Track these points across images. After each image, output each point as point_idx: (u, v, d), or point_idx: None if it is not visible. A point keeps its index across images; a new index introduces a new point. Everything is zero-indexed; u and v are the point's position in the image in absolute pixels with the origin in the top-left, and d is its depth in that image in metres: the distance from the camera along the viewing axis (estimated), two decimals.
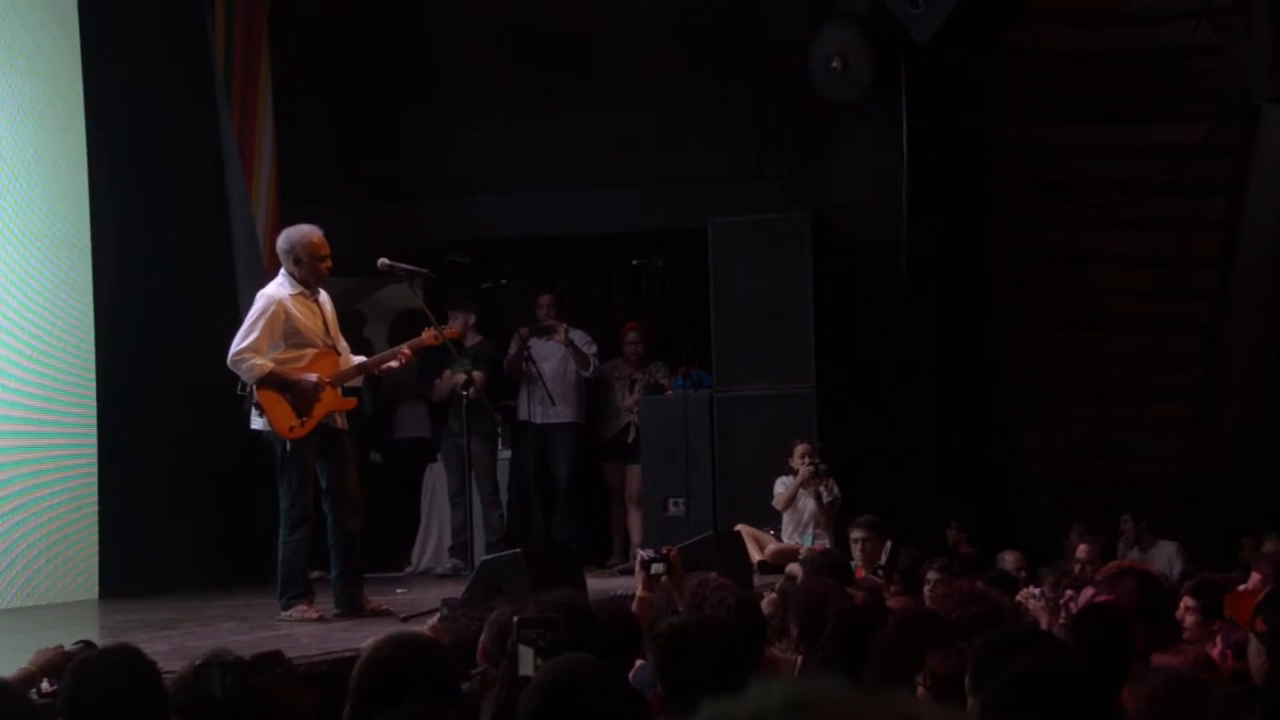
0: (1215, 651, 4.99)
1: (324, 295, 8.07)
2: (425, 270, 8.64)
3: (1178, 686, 3.95)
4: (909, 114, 10.74)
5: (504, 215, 11.45)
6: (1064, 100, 11.15)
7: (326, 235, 8.05)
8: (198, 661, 3.38)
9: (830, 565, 7.25)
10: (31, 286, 9.65)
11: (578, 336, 11.11)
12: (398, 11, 11.55)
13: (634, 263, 10.46)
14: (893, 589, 7.61)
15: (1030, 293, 11.58)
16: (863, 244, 10.99)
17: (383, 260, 8.29)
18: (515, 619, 3.51)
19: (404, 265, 8.37)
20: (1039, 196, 11.40)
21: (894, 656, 4.20)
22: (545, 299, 11.12)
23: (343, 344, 8.26)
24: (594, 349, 11.17)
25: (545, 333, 11.04)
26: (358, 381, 8.45)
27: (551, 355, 11.06)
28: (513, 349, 10.98)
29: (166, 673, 3.74)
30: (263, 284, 8.31)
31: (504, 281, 11.03)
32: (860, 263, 10.98)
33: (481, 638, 4.38)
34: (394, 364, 8.28)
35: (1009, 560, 9.33)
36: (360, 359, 8.25)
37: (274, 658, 3.40)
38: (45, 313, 9.75)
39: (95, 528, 9.94)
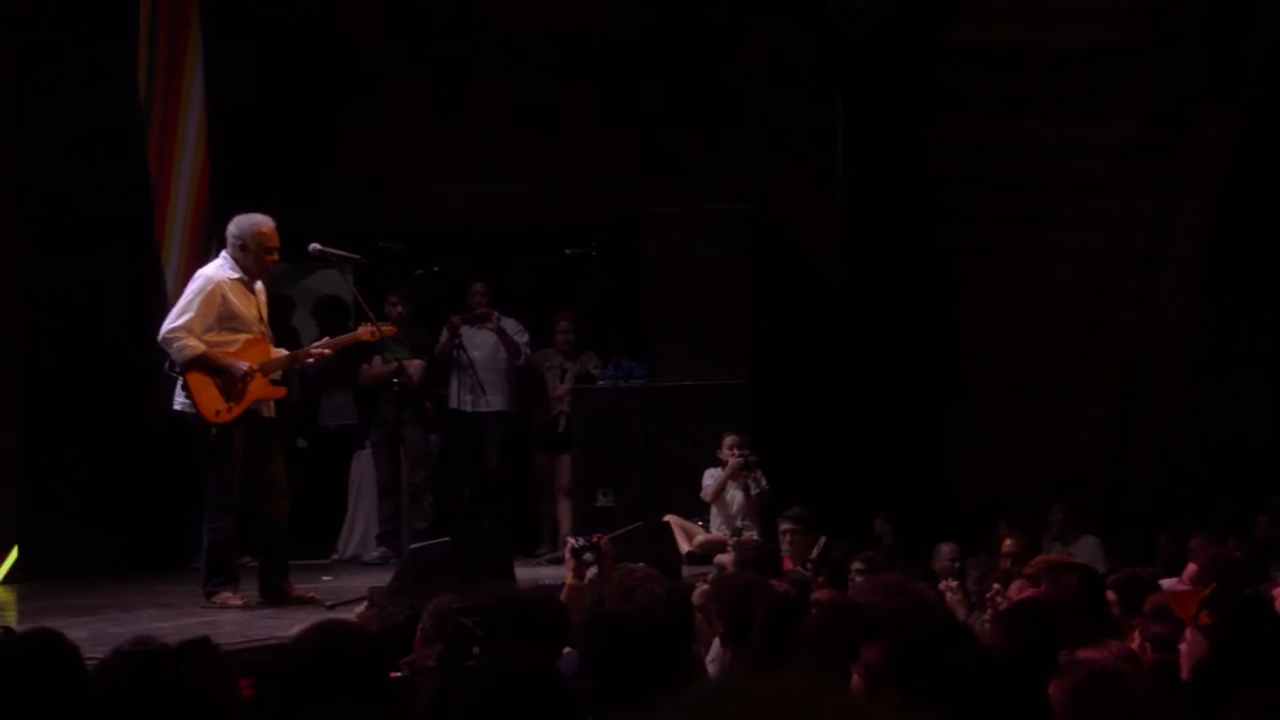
0: (1134, 645, 5.04)
1: (259, 285, 7.99)
2: (357, 256, 8.57)
3: (1099, 680, 3.97)
4: (845, 109, 10.77)
5: (437, 204, 11.37)
6: (1000, 97, 11.21)
7: None
8: (122, 649, 3.31)
9: (760, 558, 7.25)
10: None
11: (509, 325, 11.06)
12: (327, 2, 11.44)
13: (567, 252, 10.42)
14: (819, 581, 7.62)
15: (963, 288, 11.65)
16: (796, 238, 11.01)
17: (314, 245, 8.20)
18: (455, 607, 3.47)
19: (335, 250, 8.29)
20: (973, 192, 11.46)
21: (819, 648, 4.19)
22: (478, 287, 11.06)
23: (269, 334, 8.18)
24: (526, 338, 11.13)
25: (477, 321, 10.98)
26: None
27: (483, 344, 11.01)
28: (444, 337, 10.92)
29: (87, 658, 3.67)
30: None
31: (436, 269, 10.95)
32: (793, 256, 11.00)
33: (420, 624, 4.33)
34: (310, 360, 8.20)
35: (945, 552, 9.36)
36: (285, 351, 8.17)
37: (201, 644, 3.33)
38: None
39: (14, 510, 9.81)
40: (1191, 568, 5.53)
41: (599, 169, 11.10)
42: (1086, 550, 10.40)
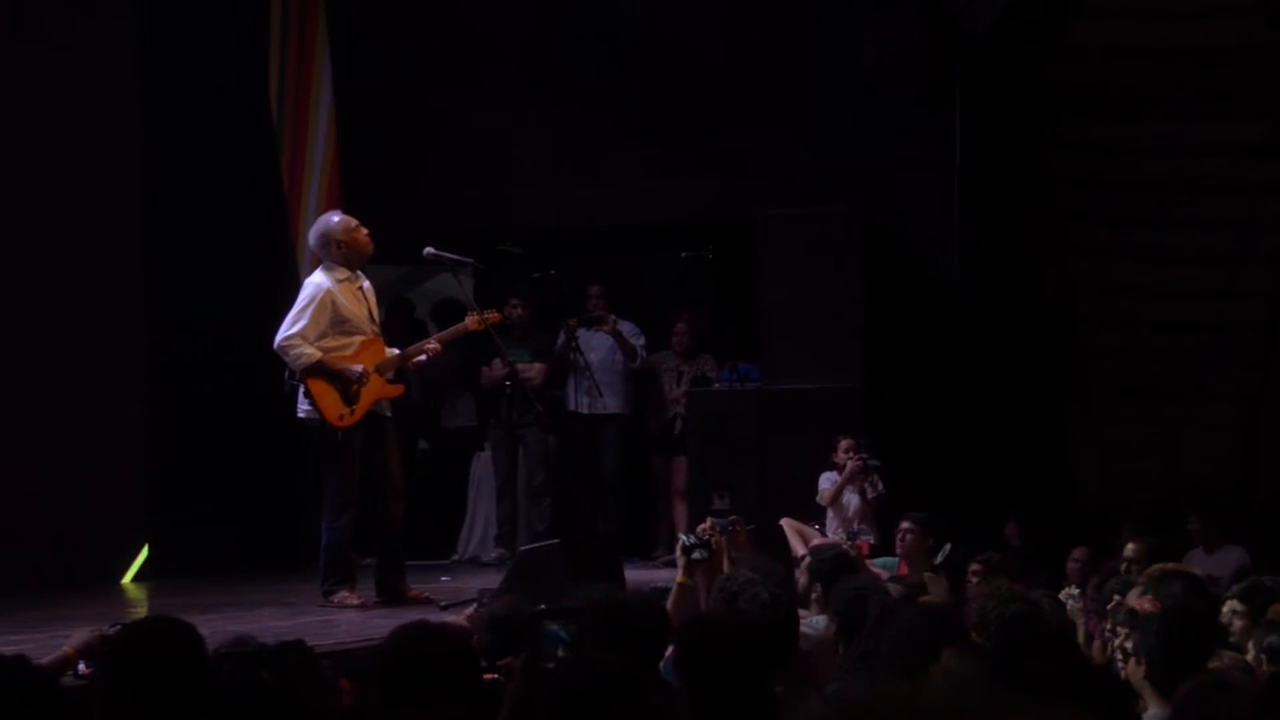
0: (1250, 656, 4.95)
1: (367, 283, 8.11)
2: (470, 260, 8.66)
3: (1207, 689, 3.92)
4: (963, 108, 10.67)
5: (554, 206, 11.45)
6: (1119, 96, 11.02)
7: (374, 225, 8.10)
8: (220, 649, 3.39)
9: (835, 561, 7.13)
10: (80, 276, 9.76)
11: (626, 328, 11.11)
12: (447, 3, 11.57)
13: (683, 254, 10.43)
14: (940, 584, 7.58)
15: (1083, 290, 11.47)
16: (914, 239, 10.92)
17: (428, 249, 8.32)
18: (541, 609, 3.51)
19: (449, 254, 8.39)
20: (1093, 193, 11.28)
21: (901, 648, 4.17)
22: (594, 289, 11.12)
23: (380, 334, 8.29)
24: (642, 340, 11.17)
25: (593, 323, 11.05)
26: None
27: (599, 346, 11.07)
28: (560, 339, 11.00)
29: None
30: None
31: (553, 272, 11.03)
32: (911, 257, 10.91)
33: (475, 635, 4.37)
34: (421, 357, 8.27)
35: (1075, 556, 9.20)
36: (398, 350, 8.27)
37: (297, 646, 3.41)
38: (95, 299, 9.86)
39: (145, 509, 10.06)
40: None
41: (715, 170, 11.10)
42: (1231, 561, 10.17)
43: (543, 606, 3.61)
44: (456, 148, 11.53)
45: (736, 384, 10.70)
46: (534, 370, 10.81)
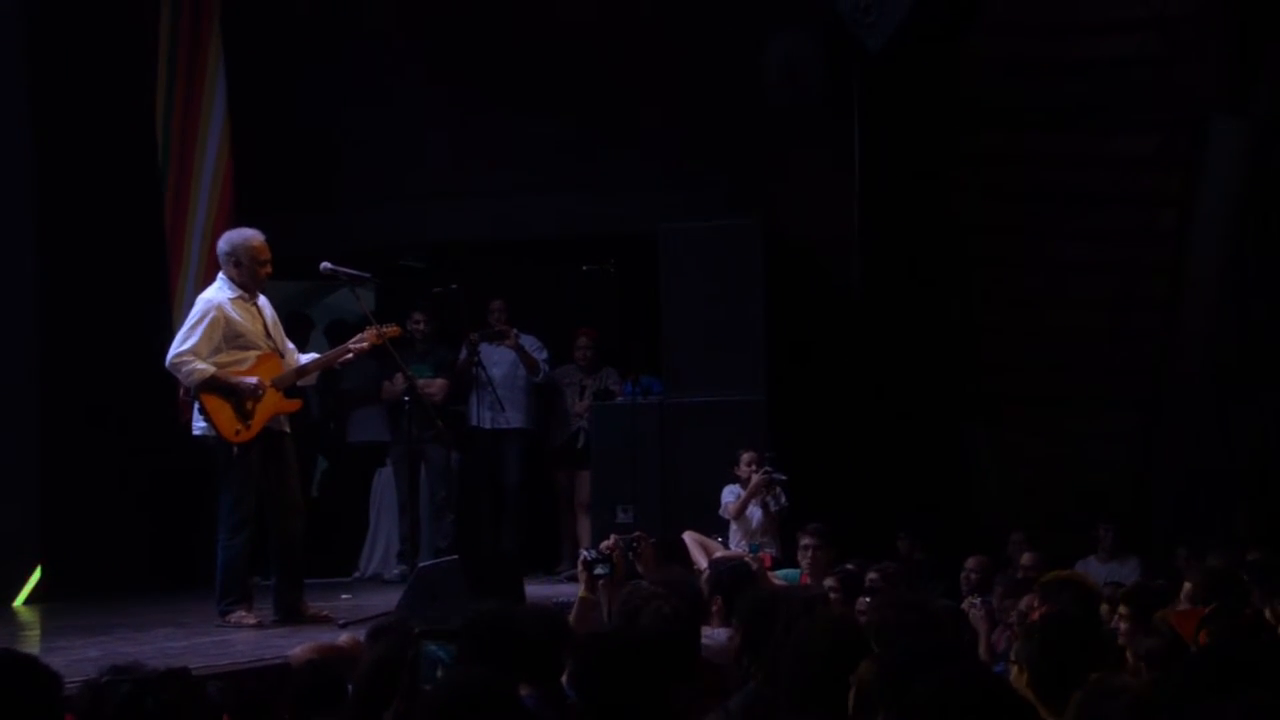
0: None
1: (263, 299, 8.03)
2: (367, 275, 8.59)
3: (1101, 693, 3.93)
4: (862, 122, 10.73)
5: (455, 220, 11.39)
6: (1016, 109, 11.15)
7: (276, 240, 8.00)
8: (103, 676, 3.31)
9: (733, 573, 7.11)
10: None
11: (528, 342, 11.08)
12: (347, 17, 11.48)
13: (584, 268, 10.41)
14: (833, 596, 7.59)
15: (983, 301, 11.58)
16: (815, 252, 10.98)
17: (325, 264, 8.24)
18: (417, 631, 3.46)
19: (346, 269, 8.31)
20: (992, 205, 11.40)
21: (815, 664, 4.15)
22: (496, 304, 11.08)
23: (289, 345, 8.19)
24: (545, 355, 11.15)
25: (495, 338, 11.00)
26: (311, 381, 8.37)
27: (501, 360, 11.03)
28: (463, 354, 10.94)
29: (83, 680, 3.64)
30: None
31: (455, 286, 10.96)
32: (813, 270, 10.97)
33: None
34: (348, 356, 8.16)
35: (970, 566, 9.25)
36: (306, 356, 8.18)
37: (180, 674, 3.33)
38: None
39: (37, 530, 9.86)
40: (1188, 586, 5.46)
41: (615, 184, 11.10)
42: (1130, 569, 10.29)
43: (419, 629, 3.56)
44: (357, 162, 11.46)
45: (639, 397, 10.69)
46: (435, 385, 10.74)
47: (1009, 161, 11.24)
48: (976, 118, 11.24)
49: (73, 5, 10.12)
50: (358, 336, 8.14)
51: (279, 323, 8.16)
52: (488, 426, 10.89)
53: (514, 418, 11.02)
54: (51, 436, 9.97)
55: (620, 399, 10.88)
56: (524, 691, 3.96)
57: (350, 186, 11.44)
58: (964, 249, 11.49)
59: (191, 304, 8.22)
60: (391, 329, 8.26)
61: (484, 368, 10.82)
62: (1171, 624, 4.92)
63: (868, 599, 7.00)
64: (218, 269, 8.01)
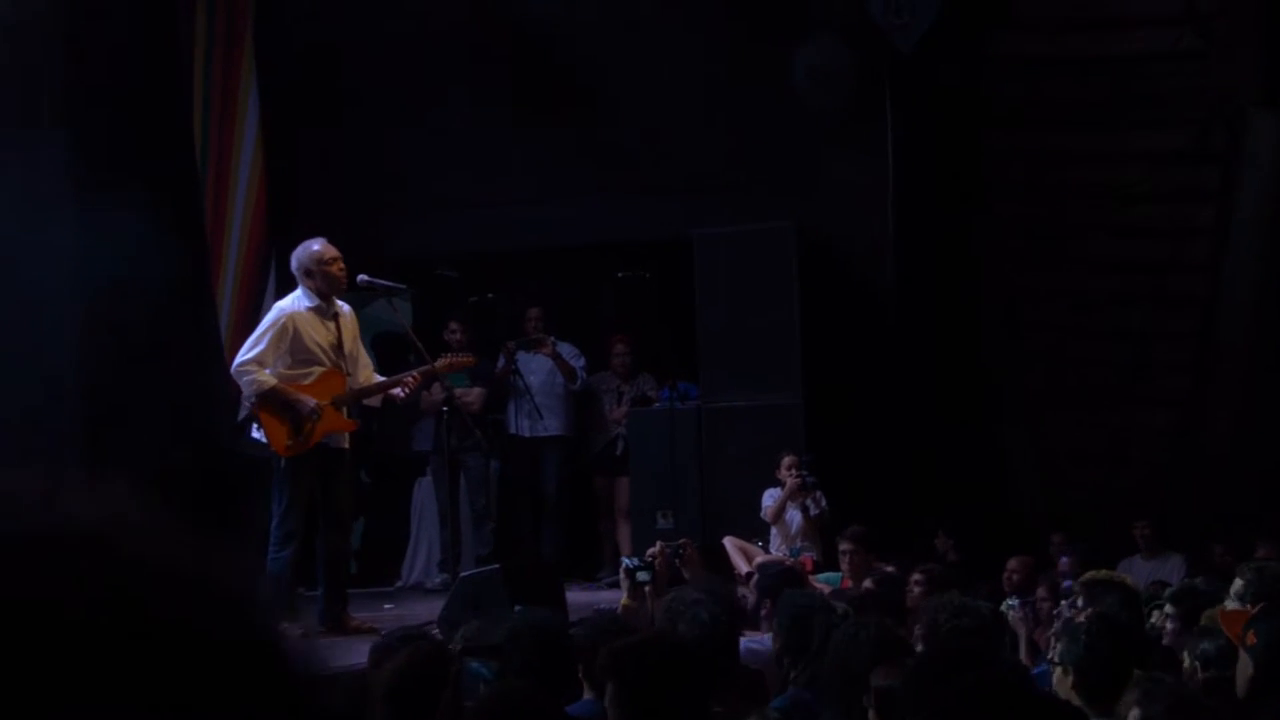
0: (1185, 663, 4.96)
1: (346, 309, 8.03)
2: (403, 286, 8.62)
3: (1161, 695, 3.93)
4: (894, 123, 10.73)
5: (491, 229, 11.43)
6: (1049, 107, 11.12)
7: None
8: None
9: (783, 575, 7.17)
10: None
11: (565, 349, 11.10)
12: (382, 27, 11.54)
13: (620, 275, 10.43)
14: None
15: (1018, 300, 11.55)
16: (849, 254, 10.97)
17: (361, 277, 8.28)
18: (459, 649, 3.48)
19: (382, 281, 8.35)
20: (1026, 204, 11.37)
21: (847, 666, 4.17)
22: (533, 312, 11.11)
23: (364, 359, 8.17)
24: (582, 362, 11.17)
25: (532, 346, 11.03)
26: (375, 403, 8.35)
27: (539, 368, 11.05)
28: (500, 363, 10.97)
29: None
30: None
31: (491, 295, 11.01)
32: (847, 273, 10.96)
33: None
34: (398, 392, 8.14)
35: (1011, 567, 9.23)
36: (379, 379, 8.12)
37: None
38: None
39: None
40: (1238, 583, 5.43)
41: (650, 191, 11.11)
42: (1173, 567, 10.23)
43: (459, 646, 3.57)
44: (391, 174, 11.49)
45: (677, 403, 10.70)
46: (473, 395, 10.77)
47: (1043, 160, 11.20)
48: (1009, 116, 11.21)
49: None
50: (422, 368, 8.15)
51: (359, 339, 8.15)
52: (526, 434, 10.93)
53: (552, 425, 11.04)
54: (94, 449, 10.02)
55: (657, 405, 10.89)
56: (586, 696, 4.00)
57: (386, 198, 11.49)
58: (999, 248, 11.46)
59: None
60: (466, 358, 8.31)
61: (521, 376, 10.85)
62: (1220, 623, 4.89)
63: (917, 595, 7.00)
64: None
